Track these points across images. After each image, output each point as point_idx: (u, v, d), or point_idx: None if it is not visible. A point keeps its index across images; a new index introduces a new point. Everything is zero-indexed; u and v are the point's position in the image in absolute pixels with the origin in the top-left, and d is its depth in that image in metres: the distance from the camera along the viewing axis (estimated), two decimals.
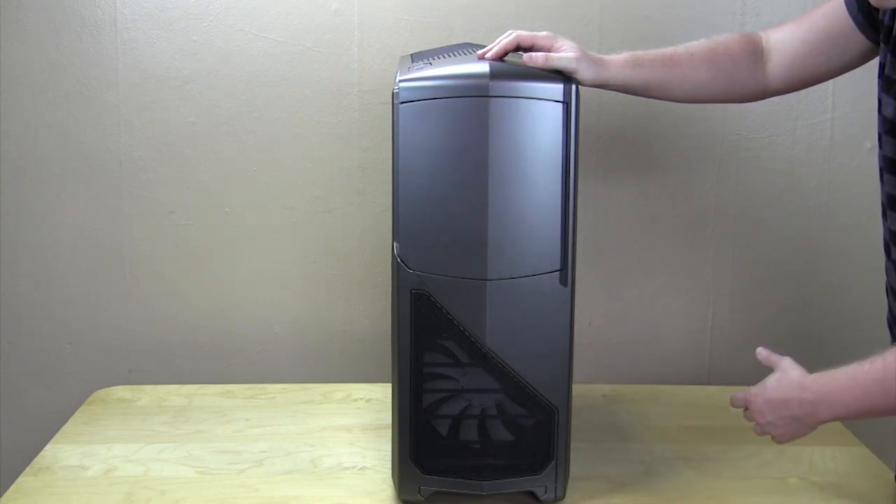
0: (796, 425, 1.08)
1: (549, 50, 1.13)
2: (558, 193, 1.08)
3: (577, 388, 1.17)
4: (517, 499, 1.18)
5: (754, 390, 1.13)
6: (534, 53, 1.12)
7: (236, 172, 1.61)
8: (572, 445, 1.18)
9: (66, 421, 1.42)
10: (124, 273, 1.64)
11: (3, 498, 1.19)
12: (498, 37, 1.15)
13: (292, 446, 1.33)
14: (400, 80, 1.08)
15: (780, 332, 1.68)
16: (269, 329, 1.67)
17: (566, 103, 1.07)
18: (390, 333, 1.14)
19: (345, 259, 1.64)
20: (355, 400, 1.50)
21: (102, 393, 1.53)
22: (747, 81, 1.21)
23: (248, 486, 1.22)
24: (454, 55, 1.21)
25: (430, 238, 1.09)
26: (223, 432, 1.38)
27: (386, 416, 1.35)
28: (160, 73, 1.57)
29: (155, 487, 1.21)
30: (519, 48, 1.15)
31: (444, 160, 1.07)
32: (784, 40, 1.20)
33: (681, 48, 1.20)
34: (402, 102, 1.07)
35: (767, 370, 1.16)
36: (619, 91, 1.20)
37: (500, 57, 1.14)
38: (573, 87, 1.08)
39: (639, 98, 1.23)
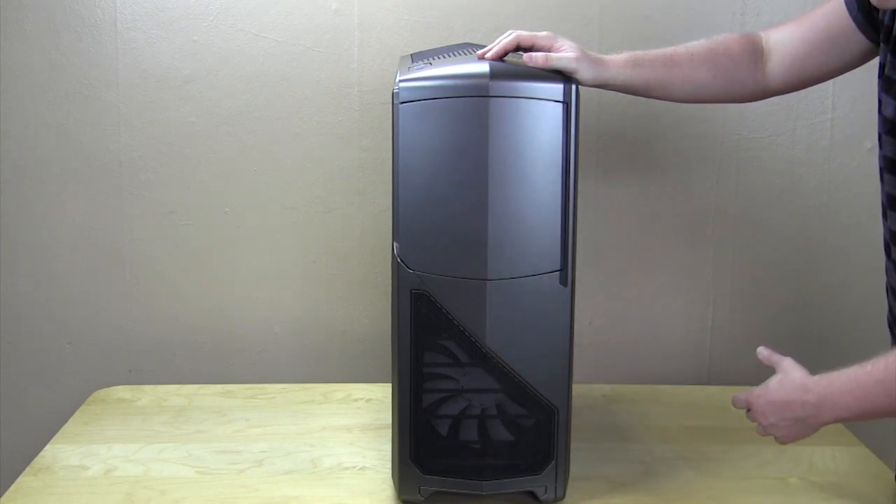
0: (799, 427, 1.08)
1: (549, 50, 1.13)
2: (558, 193, 1.08)
3: (577, 388, 1.17)
4: (517, 499, 1.18)
5: (756, 392, 1.12)
6: (534, 53, 1.12)
7: (236, 172, 1.61)
8: (572, 445, 1.18)
9: (66, 421, 1.42)
10: (124, 273, 1.64)
11: (3, 498, 1.19)
12: (498, 37, 1.15)
13: (292, 446, 1.33)
14: (400, 80, 1.08)
15: (780, 332, 1.68)
16: (269, 329, 1.67)
17: (566, 103, 1.07)
18: (390, 333, 1.14)
19: (345, 259, 1.64)
20: (355, 400, 1.50)
21: (102, 393, 1.53)
22: (747, 81, 1.21)
23: (248, 486, 1.22)
24: (454, 55, 1.21)
25: (430, 238, 1.09)
26: (223, 432, 1.38)
27: (386, 416, 1.35)
28: (160, 73, 1.57)
29: (155, 487, 1.21)
30: (519, 48, 1.15)
31: (444, 160, 1.07)
32: (784, 40, 1.20)
33: (681, 48, 1.20)
34: (402, 102, 1.07)
35: (768, 370, 1.16)
36: (619, 91, 1.20)
37: (500, 57, 1.14)
38: (573, 87, 1.08)
39: (639, 98, 1.23)
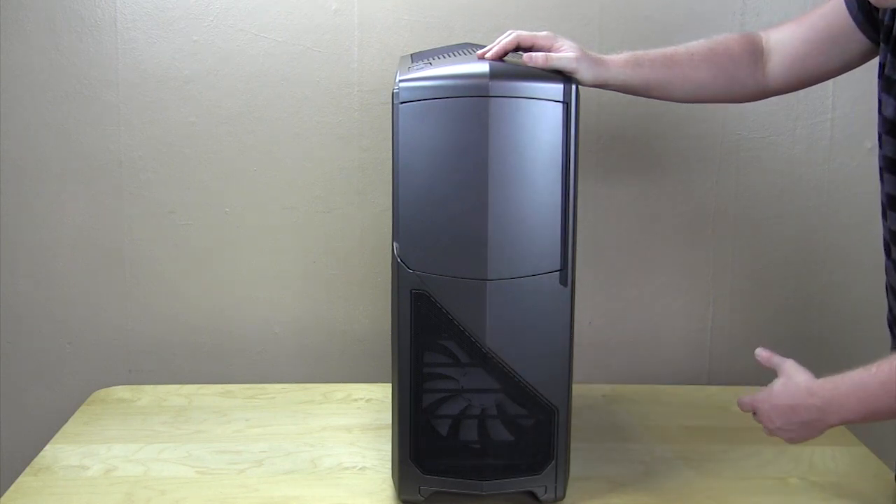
0: (806, 430, 1.08)
1: (549, 50, 1.13)
2: (558, 193, 1.08)
3: (577, 388, 1.17)
4: (517, 499, 1.18)
5: (761, 396, 1.12)
6: (534, 53, 1.12)
7: (236, 172, 1.61)
8: (572, 445, 1.18)
9: (66, 421, 1.42)
10: (124, 273, 1.64)
11: (3, 498, 1.19)
12: (498, 37, 1.15)
13: (292, 446, 1.33)
14: (400, 80, 1.08)
15: (780, 332, 1.68)
16: (269, 329, 1.67)
17: (566, 103, 1.07)
18: (390, 333, 1.14)
19: (345, 259, 1.64)
20: (355, 400, 1.50)
21: (102, 393, 1.53)
22: (747, 81, 1.21)
23: (248, 486, 1.22)
24: (454, 55, 1.21)
25: (430, 238, 1.09)
26: (223, 432, 1.38)
27: (386, 416, 1.35)
28: (160, 73, 1.57)
29: (155, 487, 1.21)
30: (519, 48, 1.15)
31: (444, 160, 1.07)
32: (784, 40, 1.20)
33: (681, 48, 1.20)
34: (402, 102, 1.07)
35: (768, 369, 1.15)
36: (619, 91, 1.20)
37: (500, 57, 1.14)
38: (573, 87, 1.08)
39: (639, 98, 1.23)
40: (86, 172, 1.60)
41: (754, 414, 1.13)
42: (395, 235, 1.10)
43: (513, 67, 1.11)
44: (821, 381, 1.06)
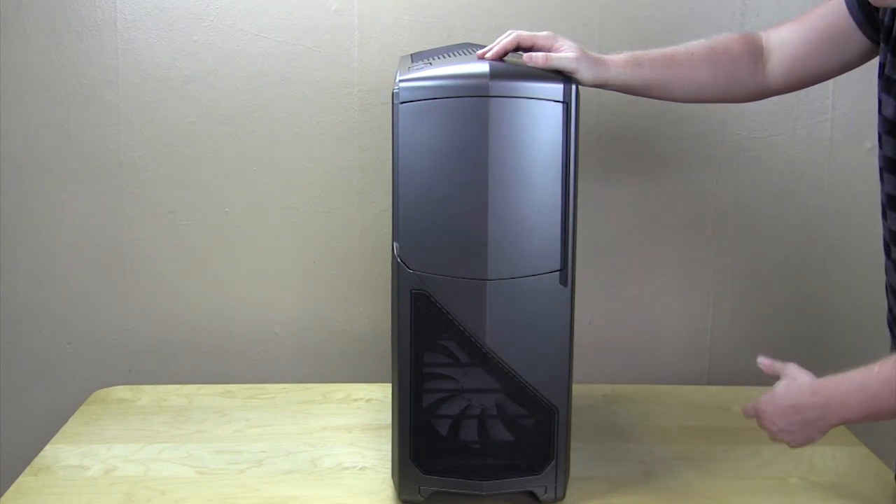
0: (808, 430, 1.07)
1: (549, 50, 1.13)
2: (558, 193, 1.08)
3: (577, 388, 1.17)
4: (517, 499, 1.18)
5: (764, 398, 1.12)
6: (534, 53, 1.12)
7: (236, 172, 1.61)
8: (572, 445, 1.18)
9: (66, 421, 1.42)
10: (124, 273, 1.64)
11: (3, 498, 1.19)
12: (498, 37, 1.15)
13: (292, 446, 1.33)
14: (400, 80, 1.08)
15: (780, 332, 1.68)
16: (269, 329, 1.67)
17: (566, 103, 1.07)
18: (390, 333, 1.14)
19: (345, 259, 1.64)
20: (355, 400, 1.50)
21: (102, 393, 1.53)
22: (747, 81, 1.21)
23: (248, 486, 1.22)
24: (454, 55, 1.21)
25: (430, 238, 1.09)
26: (223, 432, 1.38)
27: (386, 416, 1.35)
28: (160, 73, 1.57)
29: (155, 487, 1.21)
30: (519, 48, 1.15)
31: (444, 160, 1.07)
32: (784, 40, 1.20)
33: (681, 48, 1.20)
34: (402, 102, 1.07)
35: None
36: (619, 91, 1.20)
37: (500, 57, 1.14)
38: (573, 87, 1.08)
39: (639, 98, 1.23)
40: (86, 172, 1.60)
41: (758, 419, 1.13)
42: (395, 235, 1.10)
43: (513, 67, 1.11)
44: (823, 379, 1.07)
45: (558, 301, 1.11)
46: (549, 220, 1.09)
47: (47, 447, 1.32)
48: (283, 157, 1.61)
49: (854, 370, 1.03)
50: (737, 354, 1.68)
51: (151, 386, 1.55)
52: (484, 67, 1.09)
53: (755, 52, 1.21)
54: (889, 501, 1.19)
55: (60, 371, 1.67)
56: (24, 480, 1.22)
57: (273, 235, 1.64)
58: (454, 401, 1.13)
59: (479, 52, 1.16)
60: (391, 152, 1.09)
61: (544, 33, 1.15)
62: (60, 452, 1.30)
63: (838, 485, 1.22)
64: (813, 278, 1.67)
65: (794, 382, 1.09)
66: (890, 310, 1.16)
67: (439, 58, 1.19)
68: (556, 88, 1.07)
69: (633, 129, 1.62)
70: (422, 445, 1.14)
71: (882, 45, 1.09)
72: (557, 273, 1.10)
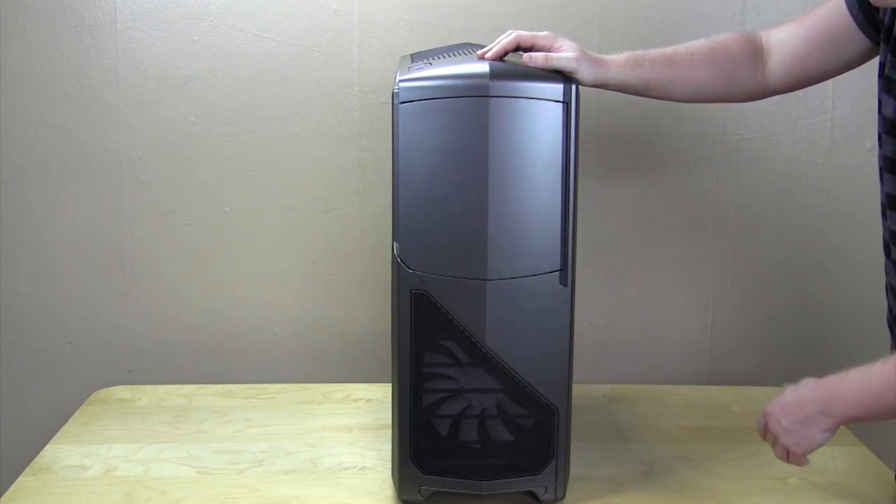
0: (811, 429, 1.06)
1: (549, 50, 1.13)
2: (558, 193, 1.08)
3: (577, 388, 1.17)
4: (517, 499, 1.18)
5: (773, 401, 1.12)
6: (534, 53, 1.12)
7: (236, 172, 1.61)
8: (572, 445, 1.18)
9: (66, 421, 1.42)
10: (124, 273, 1.64)
11: (3, 498, 1.19)
12: (498, 37, 1.15)
13: (292, 446, 1.33)
14: (400, 80, 1.08)
15: (780, 332, 1.68)
16: (269, 329, 1.67)
17: (566, 103, 1.07)
18: (390, 333, 1.14)
19: (345, 259, 1.64)
20: (355, 400, 1.50)
21: (102, 393, 1.53)
22: (747, 81, 1.21)
23: (248, 486, 1.22)
24: (454, 55, 1.21)
25: (430, 238, 1.09)
26: (223, 432, 1.38)
27: (386, 416, 1.35)
28: (160, 73, 1.57)
29: (155, 487, 1.21)
30: (519, 48, 1.15)
31: (444, 160, 1.07)
32: (784, 40, 1.20)
33: (681, 48, 1.20)
34: (402, 102, 1.07)
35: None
36: (619, 91, 1.19)
37: (500, 57, 1.14)
38: (573, 87, 1.08)
39: (639, 98, 1.23)
40: (86, 172, 1.60)
41: (766, 421, 1.12)
42: (395, 235, 1.10)
43: (513, 67, 1.11)
44: (828, 376, 1.06)
45: (558, 301, 1.11)
46: (549, 220, 1.09)
47: (47, 447, 1.32)
48: (283, 157, 1.61)
49: (857, 368, 1.03)
50: (737, 354, 1.68)
51: (151, 386, 1.55)
52: (484, 67, 1.08)
53: (755, 51, 1.21)
54: (889, 501, 1.19)
55: (60, 371, 1.67)
56: (24, 480, 1.22)
57: (273, 235, 1.64)
58: (454, 401, 1.13)
59: (479, 52, 1.16)
60: (391, 152, 1.09)
61: (544, 33, 1.15)
62: (60, 452, 1.30)
63: (838, 485, 1.22)
64: (813, 278, 1.67)
65: (801, 383, 1.09)
66: (890, 310, 1.16)
67: (439, 58, 1.19)
68: (556, 88, 1.07)
69: (633, 129, 1.62)
70: (422, 445, 1.14)
71: (882, 45, 1.09)
72: (557, 273, 1.10)
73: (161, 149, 1.60)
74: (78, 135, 1.59)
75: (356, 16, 1.56)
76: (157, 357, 1.67)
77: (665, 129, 1.62)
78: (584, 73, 1.12)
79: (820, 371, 1.10)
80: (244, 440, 1.35)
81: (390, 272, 1.12)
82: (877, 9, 1.09)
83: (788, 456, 1.10)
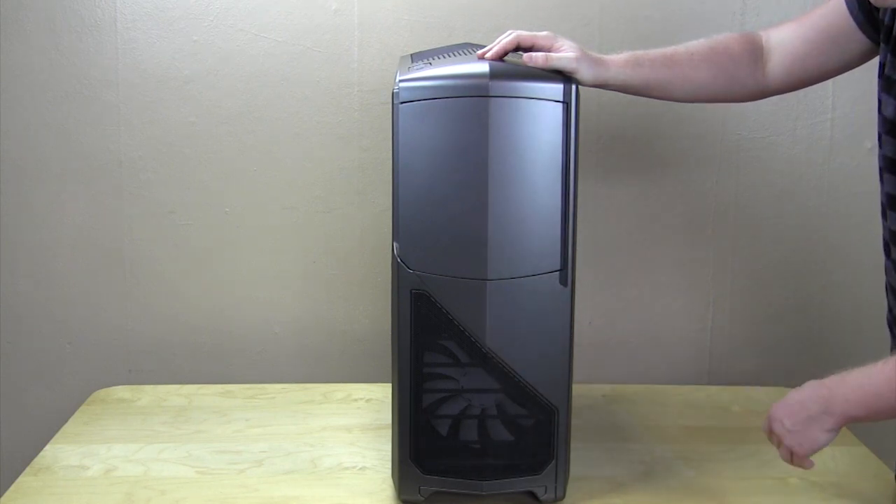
0: (814, 429, 1.06)
1: (549, 50, 1.13)
2: (558, 193, 1.08)
3: (577, 388, 1.17)
4: (517, 499, 1.18)
5: (777, 403, 1.12)
6: (534, 53, 1.12)
7: (236, 172, 1.61)
8: (572, 445, 1.17)
9: (66, 421, 1.42)
10: (124, 273, 1.64)
11: (3, 498, 1.19)
12: (498, 37, 1.15)
13: (292, 446, 1.33)
14: (400, 80, 1.08)
15: (780, 332, 1.68)
16: (269, 329, 1.67)
17: (566, 103, 1.07)
18: (390, 333, 1.14)
19: (345, 259, 1.64)
20: (355, 400, 1.50)
21: (102, 393, 1.53)
22: (747, 81, 1.21)
23: (248, 486, 1.22)
24: (454, 55, 1.21)
25: (430, 238, 1.09)
26: (223, 432, 1.38)
27: (386, 416, 1.35)
28: (160, 73, 1.57)
29: (155, 487, 1.21)
30: (519, 48, 1.15)
31: (444, 160, 1.07)
32: (784, 40, 1.20)
33: (681, 48, 1.20)
34: (402, 102, 1.07)
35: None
36: (619, 91, 1.19)
37: (500, 57, 1.14)
38: (573, 87, 1.08)
39: (639, 98, 1.23)
40: (86, 172, 1.60)
41: (770, 424, 1.12)
42: (395, 235, 1.10)
43: (513, 67, 1.11)
44: (829, 376, 1.06)
45: (558, 301, 1.11)
46: (549, 220, 1.09)
47: (47, 447, 1.32)
48: (283, 157, 1.61)
49: (858, 368, 1.03)
50: (737, 354, 1.68)
51: (151, 386, 1.55)
52: (484, 67, 1.08)
53: (755, 51, 1.21)
54: (889, 501, 1.19)
55: (60, 371, 1.67)
56: (24, 480, 1.22)
57: (273, 235, 1.64)
58: (454, 401, 1.13)
59: (479, 52, 1.15)
60: (391, 152, 1.09)
61: (544, 33, 1.15)
62: (60, 452, 1.30)
63: (838, 485, 1.22)
64: (813, 278, 1.67)
65: (804, 384, 1.09)
66: (890, 310, 1.16)
67: (439, 58, 1.19)
68: (556, 88, 1.07)
69: (633, 129, 1.62)
70: (422, 445, 1.14)
71: (882, 44, 1.09)
72: (557, 273, 1.10)
73: (161, 149, 1.60)
74: (78, 135, 1.59)
75: (356, 16, 1.56)
76: (157, 357, 1.67)
77: (665, 129, 1.62)
78: (584, 73, 1.12)
79: (820, 371, 1.10)
80: (244, 440, 1.35)
81: (390, 272, 1.12)
82: (877, 9, 1.09)
83: (792, 458, 1.10)
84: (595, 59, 1.14)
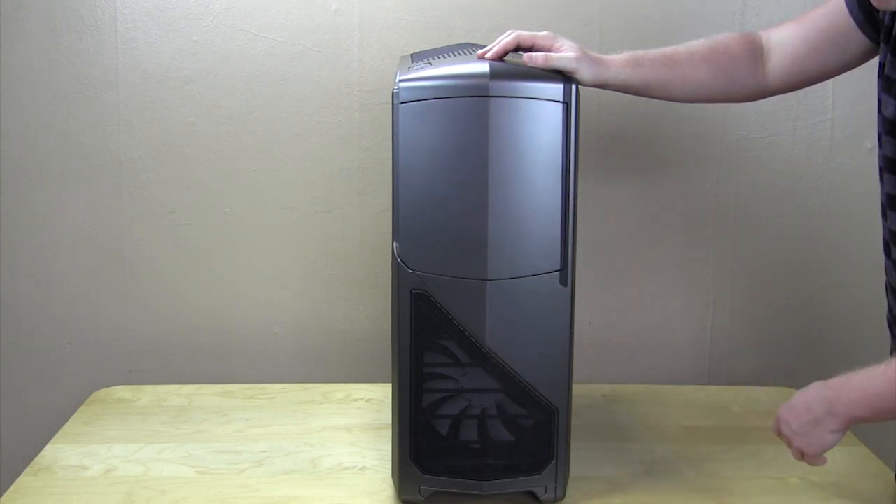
0: (820, 430, 1.06)
1: (549, 50, 1.13)
2: (558, 193, 1.08)
3: (577, 388, 1.17)
4: (517, 499, 1.18)
5: (783, 405, 1.12)
6: (534, 53, 1.12)
7: (236, 172, 1.61)
8: (572, 445, 1.17)
9: (66, 421, 1.42)
10: (124, 273, 1.64)
11: (3, 498, 1.19)
12: (498, 37, 1.15)
13: (292, 446, 1.33)
14: (400, 80, 1.08)
15: (780, 332, 1.68)
16: (269, 329, 1.67)
17: (566, 103, 1.07)
18: (390, 333, 1.14)
19: (345, 259, 1.64)
20: (355, 400, 1.50)
21: (102, 393, 1.53)
22: (747, 81, 1.21)
23: (248, 486, 1.22)
24: (454, 55, 1.21)
25: (430, 238, 1.09)
26: (223, 432, 1.38)
27: (386, 416, 1.35)
28: (160, 73, 1.57)
29: (155, 487, 1.21)
30: (519, 48, 1.15)
31: (444, 160, 1.07)
32: (784, 40, 1.20)
33: (681, 48, 1.20)
34: (402, 102, 1.07)
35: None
36: (619, 91, 1.19)
37: (500, 57, 1.14)
38: (573, 87, 1.08)
39: (639, 98, 1.23)
40: (86, 172, 1.60)
41: (777, 426, 1.12)
42: (395, 235, 1.10)
43: (513, 67, 1.11)
44: (833, 378, 1.07)
45: (558, 301, 1.11)
46: (549, 220, 1.09)
47: (47, 447, 1.32)
48: (283, 157, 1.61)
49: (862, 369, 1.04)
50: (737, 354, 1.68)
51: (151, 386, 1.55)
52: (484, 67, 1.08)
53: (755, 51, 1.21)
54: (889, 501, 1.19)
55: (60, 371, 1.67)
56: (24, 480, 1.22)
57: (273, 235, 1.64)
58: (454, 401, 1.13)
59: (479, 52, 1.15)
60: (391, 152, 1.09)
61: (544, 33, 1.15)
62: (60, 452, 1.30)
63: (838, 485, 1.22)
64: (813, 278, 1.67)
65: (809, 386, 1.09)
66: (890, 310, 1.16)
67: (439, 58, 1.19)
68: (556, 88, 1.07)
69: (633, 129, 1.62)
70: (422, 445, 1.14)
71: (882, 45, 1.09)
72: (557, 273, 1.10)
73: (161, 149, 1.60)
74: (78, 135, 1.59)
75: (356, 16, 1.56)
76: (157, 357, 1.67)
77: (665, 129, 1.62)
78: (584, 73, 1.12)
79: (819, 371, 1.10)
80: (244, 440, 1.35)
81: (390, 272, 1.12)
82: (877, 9, 1.09)
83: (804, 457, 1.10)
84: (595, 59, 1.14)
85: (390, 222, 1.11)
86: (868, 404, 1.03)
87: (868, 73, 1.17)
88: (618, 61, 1.16)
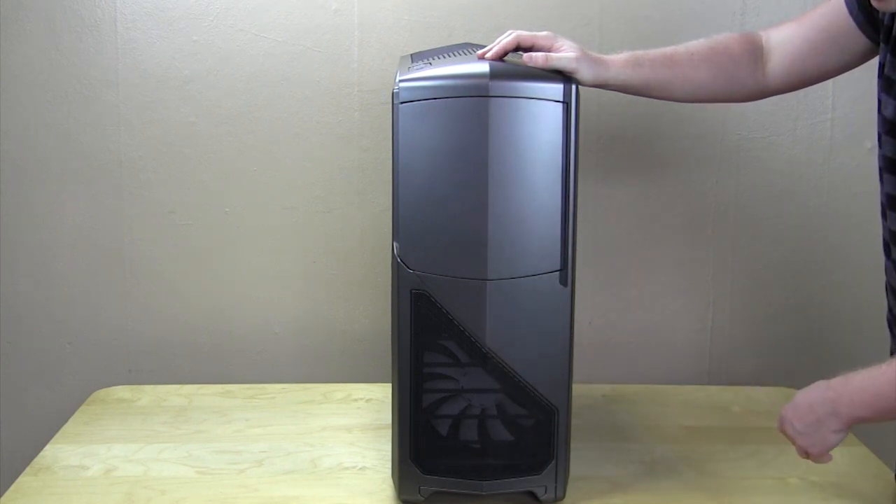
0: (823, 431, 1.07)
1: (549, 50, 1.13)
2: (558, 193, 1.08)
3: (577, 388, 1.17)
4: (517, 499, 1.18)
5: (786, 405, 1.12)
6: (534, 53, 1.12)
7: (236, 172, 1.61)
8: (572, 445, 1.17)
9: (66, 421, 1.42)
10: (124, 273, 1.64)
11: (3, 498, 1.19)
12: (498, 37, 1.15)
13: (292, 446, 1.33)
14: (400, 80, 1.08)
15: (780, 332, 1.68)
16: (269, 329, 1.67)
17: (566, 103, 1.07)
18: (390, 333, 1.14)
19: (345, 259, 1.64)
20: (355, 400, 1.50)
21: (102, 393, 1.53)
22: (747, 81, 1.21)
23: (248, 486, 1.22)
24: (454, 55, 1.21)
25: (430, 238, 1.09)
26: (223, 432, 1.38)
27: (386, 416, 1.35)
28: (160, 73, 1.57)
29: (155, 487, 1.21)
30: (519, 48, 1.15)
31: (444, 160, 1.07)
32: (784, 40, 1.20)
33: (681, 48, 1.20)
34: (402, 102, 1.07)
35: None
36: (619, 91, 1.19)
37: (500, 57, 1.14)
38: (573, 87, 1.08)
39: (639, 98, 1.23)
40: (86, 172, 1.60)
41: (781, 426, 1.12)
42: (395, 235, 1.10)
43: (513, 67, 1.11)
44: (835, 378, 1.07)
45: (558, 301, 1.11)
46: (549, 220, 1.09)
47: (47, 447, 1.32)
48: (283, 157, 1.61)
49: (864, 370, 1.04)
50: (737, 354, 1.68)
51: (151, 386, 1.55)
52: (484, 67, 1.08)
53: (755, 51, 1.21)
54: (889, 501, 1.19)
55: (60, 371, 1.67)
56: (24, 480, 1.22)
57: (273, 235, 1.64)
58: (454, 401, 1.13)
59: (479, 52, 1.15)
60: (391, 152, 1.09)
61: (544, 33, 1.14)
62: (60, 452, 1.30)
63: (838, 485, 1.22)
64: (813, 278, 1.67)
65: (812, 385, 1.09)
66: (890, 310, 1.16)
67: (439, 58, 1.19)
68: (556, 88, 1.07)
69: (633, 129, 1.62)
70: (422, 445, 1.14)
71: (882, 45, 1.09)
72: (557, 273, 1.10)
73: (161, 149, 1.60)
74: (78, 135, 1.59)
75: (356, 16, 1.56)
76: (157, 357, 1.67)
77: (665, 129, 1.62)
78: (584, 73, 1.12)
79: (820, 371, 1.10)
80: (244, 440, 1.35)
81: (390, 272, 1.12)
82: (877, 9, 1.09)
83: (809, 455, 1.10)
84: (595, 59, 1.14)
85: (390, 222, 1.11)
86: (869, 404, 1.03)
87: (868, 73, 1.17)
88: (618, 61, 1.16)
